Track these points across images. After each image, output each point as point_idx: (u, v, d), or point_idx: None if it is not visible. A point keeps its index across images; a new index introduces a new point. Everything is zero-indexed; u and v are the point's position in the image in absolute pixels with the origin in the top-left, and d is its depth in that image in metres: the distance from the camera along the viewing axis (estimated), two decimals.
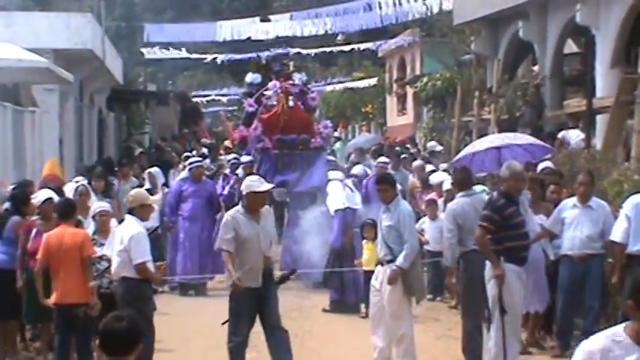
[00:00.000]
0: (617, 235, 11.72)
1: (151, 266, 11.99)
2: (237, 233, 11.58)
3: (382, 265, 12.47)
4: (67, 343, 11.85)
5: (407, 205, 13.17)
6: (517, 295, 11.43)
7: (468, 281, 12.41)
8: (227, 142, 32.07)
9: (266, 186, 12.28)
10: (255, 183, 12.24)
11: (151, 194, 20.43)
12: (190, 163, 21.17)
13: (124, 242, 11.89)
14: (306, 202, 20.11)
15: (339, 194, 18.03)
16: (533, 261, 12.60)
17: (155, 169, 22.59)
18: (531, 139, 16.93)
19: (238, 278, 11.57)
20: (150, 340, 11.76)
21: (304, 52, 38.76)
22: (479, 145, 16.73)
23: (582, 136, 21.42)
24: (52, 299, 11.89)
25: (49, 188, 17.09)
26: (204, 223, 19.93)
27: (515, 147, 15.20)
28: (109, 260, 12.73)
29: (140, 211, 12.33)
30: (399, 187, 14.25)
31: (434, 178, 18.68)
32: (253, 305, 11.82)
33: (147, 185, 21.58)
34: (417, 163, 21.78)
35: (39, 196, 14.06)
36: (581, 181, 13.66)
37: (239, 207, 12.14)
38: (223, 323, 11.98)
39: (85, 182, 16.92)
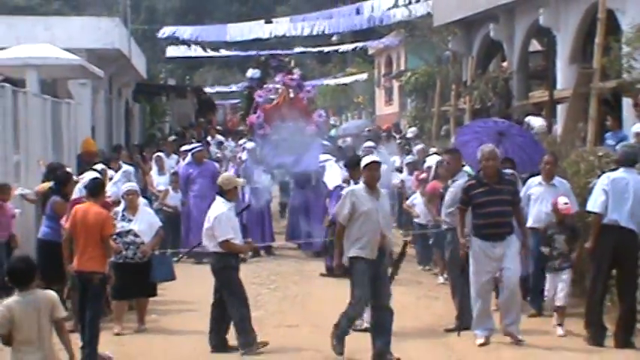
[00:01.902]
0: (596, 206, 11.57)
1: (235, 241, 12.07)
2: (354, 207, 11.04)
3: None
4: (84, 307, 11.71)
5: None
6: (481, 265, 11.23)
7: (453, 248, 12.28)
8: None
9: (374, 157, 11.85)
10: (366, 158, 11.92)
11: (159, 176, 20.53)
12: (192, 149, 21.12)
13: (210, 222, 12.05)
14: (303, 181, 20.05)
15: (336, 173, 17.97)
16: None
17: (162, 154, 22.54)
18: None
19: (341, 259, 11.21)
20: (241, 300, 11.93)
21: (304, 49, 38.75)
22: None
23: (545, 123, 21.37)
24: (73, 265, 11.86)
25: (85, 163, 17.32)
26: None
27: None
28: (135, 234, 12.68)
29: (230, 192, 12.48)
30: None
31: (428, 161, 18.52)
32: (371, 276, 11.18)
33: (154, 168, 21.51)
34: (420, 146, 21.74)
35: (85, 177, 13.87)
36: (546, 161, 13.61)
37: (360, 183, 11.65)
38: None
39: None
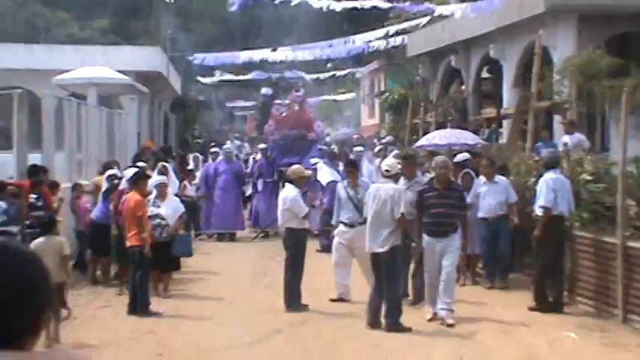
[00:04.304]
0: (547, 201, 11.53)
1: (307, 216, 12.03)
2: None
3: (353, 226, 11.93)
4: (134, 274, 11.73)
5: (367, 182, 12.84)
6: (428, 258, 10.91)
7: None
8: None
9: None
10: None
11: (193, 172, 20.49)
12: (226, 149, 21.07)
13: (286, 203, 11.80)
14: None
15: (328, 172, 17.95)
16: (471, 220, 12.47)
17: (197, 154, 22.64)
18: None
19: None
20: (298, 267, 11.75)
21: (305, 75, 38.68)
22: (440, 137, 17.49)
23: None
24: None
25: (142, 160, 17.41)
26: (233, 192, 19.88)
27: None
28: (161, 217, 12.62)
29: (298, 180, 12.21)
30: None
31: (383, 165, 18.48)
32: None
33: (191, 165, 21.52)
34: (395, 151, 21.63)
35: (128, 172, 13.86)
36: (484, 165, 13.63)
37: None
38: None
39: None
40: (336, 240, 12.48)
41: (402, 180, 12.16)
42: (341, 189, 12.38)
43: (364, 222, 11.35)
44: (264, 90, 28.89)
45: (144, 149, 22.04)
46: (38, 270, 1.90)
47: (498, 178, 13.35)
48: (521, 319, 10.98)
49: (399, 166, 11.60)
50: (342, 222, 12.18)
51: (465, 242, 11.64)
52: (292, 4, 19.51)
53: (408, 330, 10.37)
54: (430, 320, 10.81)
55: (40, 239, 10.08)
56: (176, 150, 25.83)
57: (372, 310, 10.57)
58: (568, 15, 20.03)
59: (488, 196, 13.25)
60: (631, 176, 11.60)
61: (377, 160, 21.08)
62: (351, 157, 19.80)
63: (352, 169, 12.57)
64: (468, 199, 12.67)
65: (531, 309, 11.47)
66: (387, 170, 11.06)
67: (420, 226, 10.98)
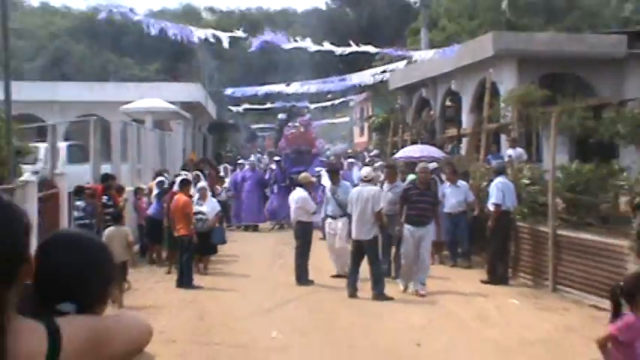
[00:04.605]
0: (498, 200, 11.53)
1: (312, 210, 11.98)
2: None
3: (335, 218, 11.93)
4: (181, 256, 11.73)
5: (347, 184, 12.66)
6: (408, 242, 10.78)
7: (393, 227, 11.64)
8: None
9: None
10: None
11: (223, 178, 20.48)
12: (251, 161, 21.21)
13: (299, 202, 11.82)
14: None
15: (327, 179, 17.90)
16: (441, 214, 12.45)
17: (227, 165, 22.76)
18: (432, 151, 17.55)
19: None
20: (306, 252, 11.70)
21: (310, 104, 38.72)
22: (414, 151, 17.60)
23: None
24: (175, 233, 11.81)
25: (187, 169, 17.36)
26: (256, 193, 19.85)
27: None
28: (202, 213, 12.61)
29: (307, 185, 12.28)
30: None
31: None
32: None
33: (222, 173, 21.52)
34: (379, 163, 21.43)
35: (178, 179, 13.84)
36: (448, 172, 13.61)
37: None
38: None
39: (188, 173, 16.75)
40: (326, 229, 12.61)
41: (385, 184, 12.24)
42: (327, 190, 12.47)
43: (343, 215, 11.53)
44: (281, 115, 28.82)
45: (188, 161, 22.15)
46: (104, 254, 1.91)
47: (460, 182, 13.36)
48: (477, 290, 10.99)
49: (374, 173, 11.78)
50: (328, 215, 12.25)
51: (438, 230, 11.57)
52: (300, 47, 19.44)
53: (391, 299, 10.38)
54: (403, 291, 10.81)
55: (111, 229, 10.32)
56: (211, 162, 25.87)
57: (350, 285, 10.60)
58: (510, 58, 20.03)
59: (451, 196, 13.26)
60: (558, 180, 11.62)
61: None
62: (345, 166, 19.90)
63: (334, 174, 12.52)
64: (440, 198, 12.71)
65: (484, 282, 11.48)
66: (365, 176, 11.11)
67: (402, 215, 10.95)
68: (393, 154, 21.34)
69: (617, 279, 4.94)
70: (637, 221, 9.00)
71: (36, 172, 10.74)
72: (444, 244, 13.50)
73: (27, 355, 1.62)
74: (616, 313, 4.49)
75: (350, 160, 21.76)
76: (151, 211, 13.95)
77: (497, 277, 11.51)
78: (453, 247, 13.37)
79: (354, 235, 10.71)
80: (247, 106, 40.47)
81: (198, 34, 16.96)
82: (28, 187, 9.16)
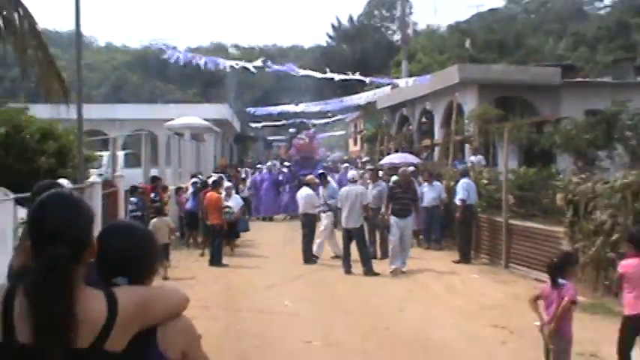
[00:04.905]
0: (464, 196, 11.47)
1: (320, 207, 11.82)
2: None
3: (324, 212, 11.88)
4: (213, 240, 11.69)
5: (334, 185, 12.66)
6: (394, 230, 10.65)
7: (378, 219, 11.66)
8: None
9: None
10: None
11: (245, 179, 20.40)
12: (269, 165, 21.08)
13: (305, 198, 11.73)
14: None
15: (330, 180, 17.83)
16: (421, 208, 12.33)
17: (247, 169, 22.71)
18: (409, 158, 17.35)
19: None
20: (311, 238, 11.55)
21: (314, 120, 38.61)
22: (395, 158, 17.41)
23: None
24: (209, 221, 11.73)
25: (218, 172, 17.26)
26: (272, 191, 19.78)
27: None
28: (230, 207, 12.55)
29: (312, 184, 12.21)
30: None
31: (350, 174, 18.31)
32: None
33: (243, 175, 21.42)
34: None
35: (212, 178, 13.81)
36: (426, 175, 13.55)
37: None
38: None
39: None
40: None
41: (370, 184, 12.26)
42: (319, 190, 12.43)
43: (328, 210, 11.71)
44: (291, 129, 28.79)
45: (220, 165, 22.03)
46: (150, 239, 1.93)
47: (435, 183, 13.22)
48: (446, 268, 10.95)
49: (359, 175, 11.86)
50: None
51: (418, 220, 11.49)
52: (307, 75, 19.59)
53: (377, 274, 10.35)
54: (392, 273, 10.73)
55: (156, 219, 10.27)
56: (237, 167, 25.82)
57: (345, 264, 10.62)
58: (472, 85, 19.96)
59: (428, 193, 13.12)
60: (510, 181, 11.57)
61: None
62: (342, 169, 19.85)
63: (324, 178, 12.58)
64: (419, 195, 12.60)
65: (455, 262, 11.43)
66: (352, 178, 11.14)
67: (388, 209, 10.89)
68: (380, 160, 21.31)
69: (554, 257, 5.04)
70: (569, 213, 8.99)
71: (100, 175, 10.76)
72: (420, 231, 13.48)
73: (92, 316, 1.64)
74: (554, 282, 4.58)
75: (345, 164, 21.71)
76: (188, 205, 13.91)
77: (463, 257, 11.48)
78: (427, 233, 13.29)
79: (344, 225, 10.71)
80: (265, 123, 40.31)
81: (229, 63, 17.29)
82: (95, 186, 9.17)
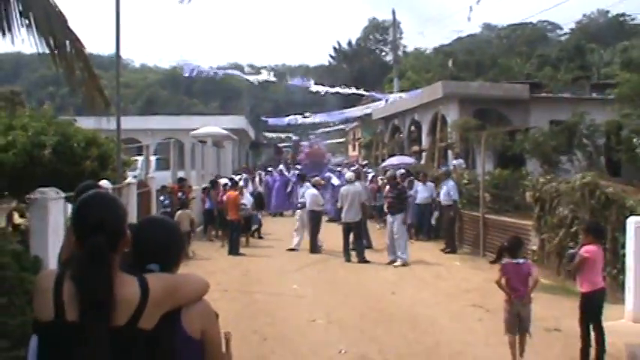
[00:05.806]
0: (456, 196, 11.47)
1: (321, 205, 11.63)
2: None
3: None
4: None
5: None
6: (395, 223, 10.34)
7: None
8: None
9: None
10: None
11: (254, 180, 20.20)
12: (280, 169, 20.95)
13: (312, 196, 11.63)
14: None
15: (336, 179, 17.71)
16: (413, 205, 12.20)
17: (261, 172, 22.64)
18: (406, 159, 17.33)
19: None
20: (317, 230, 11.47)
21: (319, 130, 38.54)
22: (394, 160, 17.16)
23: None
24: (230, 217, 11.53)
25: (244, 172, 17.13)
26: (282, 190, 19.74)
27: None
28: (245, 204, 12.47)
29: (318, 185, 12.19)
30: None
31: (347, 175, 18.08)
32: None
33: (257, 176, 21.34)
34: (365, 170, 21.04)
35: (224, 180, 13.79)
36: (420, 176, 13.24)
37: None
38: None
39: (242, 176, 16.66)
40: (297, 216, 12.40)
41: (419, 185, 12.22)
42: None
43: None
44: (294, 137, 28.93)
45: (240, 168, 21.87)
46: (177, 232, 1.94)
47: (428, 183, 12.95)
48: (433, 257, 10.90)
49: (356, 176, 11.83)
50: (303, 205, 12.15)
51: (406, 216, 11.21)
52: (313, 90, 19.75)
53: (368, 262, 10.33)
54: (389, 263, 10.38)
55: (180, 211, 10.63)
56: (251, 170, 25.78)
57: (345, 254, 10.59)
58: (454, 98, 19.89)
59: (421, 192, 12.89)
60: (486, 181, 11.56)
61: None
62: (343, 172, 19.76)
63: (321, 180, 12.64)
64: (411, 193, 12.31)
65: (442, 250, 11.39)
66: (349, 179, 11.14)
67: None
68: (378, 164, 21.27)
69: (504, 241, 5.26)
70: (536, 209, 8.98)
71: (135, 177, 10.81)
72: (411, 226, 13.43)
73: (127, 298, 1.66)
74: (497, 259, 4.99)
75: (353, 167, 21.56)
76: (208, 205, 13.72)
77: (449, 247, 11.45)
78: (419, 227, 13.17)
79: (344, 219, 10.69)
80: (277, 135, 40.29)
81: (252, 78, 17.55)
82: (131, 187, 9.23)
